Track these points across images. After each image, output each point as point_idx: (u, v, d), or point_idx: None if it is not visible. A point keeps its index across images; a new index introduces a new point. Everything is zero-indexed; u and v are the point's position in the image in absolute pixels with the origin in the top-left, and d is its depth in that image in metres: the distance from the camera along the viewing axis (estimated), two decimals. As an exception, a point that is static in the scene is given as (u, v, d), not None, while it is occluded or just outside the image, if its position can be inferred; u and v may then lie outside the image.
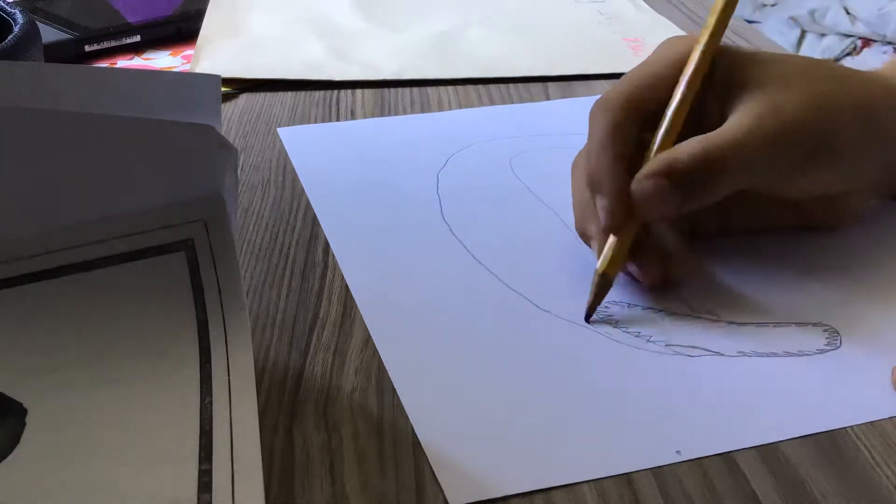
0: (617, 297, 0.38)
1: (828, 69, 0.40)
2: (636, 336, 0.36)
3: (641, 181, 0.36)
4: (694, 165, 0.36)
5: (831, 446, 0.30)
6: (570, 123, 0.55)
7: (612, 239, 0.37)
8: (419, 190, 0.47)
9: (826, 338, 0.36)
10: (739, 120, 0.37)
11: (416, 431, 0.31)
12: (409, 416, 0.32)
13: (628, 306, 0.37)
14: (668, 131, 0.38)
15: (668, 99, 0.38)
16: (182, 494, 0.24)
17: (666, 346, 0.35)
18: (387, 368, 0.34)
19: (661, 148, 0.37)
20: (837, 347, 0.35)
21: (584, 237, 0.40)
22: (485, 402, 0.32)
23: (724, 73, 0.39)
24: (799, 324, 0.37)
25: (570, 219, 0.41)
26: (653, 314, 0.37)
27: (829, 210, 0.42)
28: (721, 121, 0.38)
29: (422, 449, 0.30)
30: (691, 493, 0.29)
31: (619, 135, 0.37)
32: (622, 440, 0.31)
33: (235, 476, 0.25)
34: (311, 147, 0.52)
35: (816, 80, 0.39)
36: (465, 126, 0.55)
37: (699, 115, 0.38)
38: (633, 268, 0.38)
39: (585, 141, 0.39)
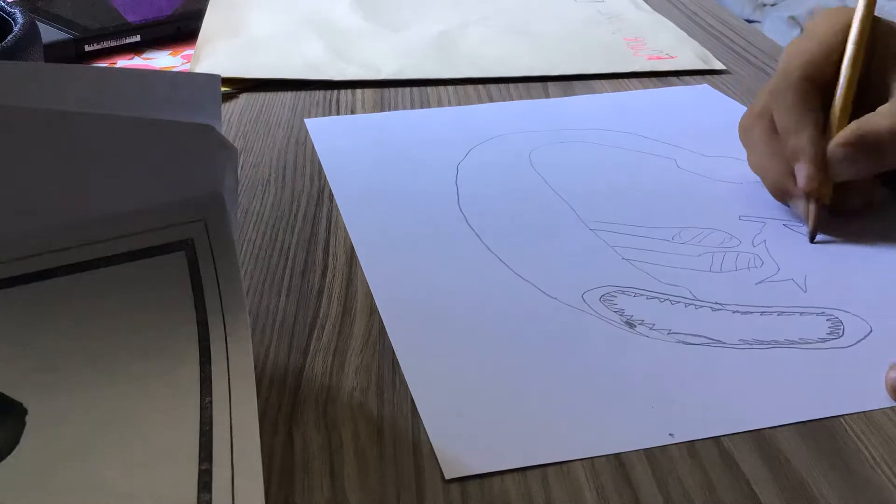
0: (624, 284, 0.38)
1: None
2: (640, 324, 0.36)
3: (837, 149, 0.41)
4: (882, 136, 0.41)
5: (831, 446, 0.30)
6: (593, 119, 0.56)
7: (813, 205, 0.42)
8: (439, 180, 0.48)
9: (829, 327, 0.36)
10: None
11: (418, 407, 0.32)
12: (412, 392, 0.32)
13: (634, 295, 0.38)
14: (844, 106, 0.43)
15: (839, 68, 0.44)
16: (182, 494, 0.24)
17: (668, 333, 0.35)
18: (393, 347, 0.35)
19: (842, 118, 0.43)
20: (840, 337, 0.35)
21: (782, 197, 0.44)
22: (488, 383, 0.33)
23: (883, 44, 0.44)
24: (802, 312, 0.37)
25: (583, 211, 0.44)
26: (658, 303, 0.37)
27: None
28: (882, 88, 0.43)
29: (422, 449, 0.30)
30: (691, 494, 0.29)
31: (809, 108, 0.43)
32: (618, 421, 0.31)
33: (235, 476, 0.25)
34: (335, 137, 0.53)
35: None
36: (488, 119, 0.56)
37: (861, 82, 0.43)
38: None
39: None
